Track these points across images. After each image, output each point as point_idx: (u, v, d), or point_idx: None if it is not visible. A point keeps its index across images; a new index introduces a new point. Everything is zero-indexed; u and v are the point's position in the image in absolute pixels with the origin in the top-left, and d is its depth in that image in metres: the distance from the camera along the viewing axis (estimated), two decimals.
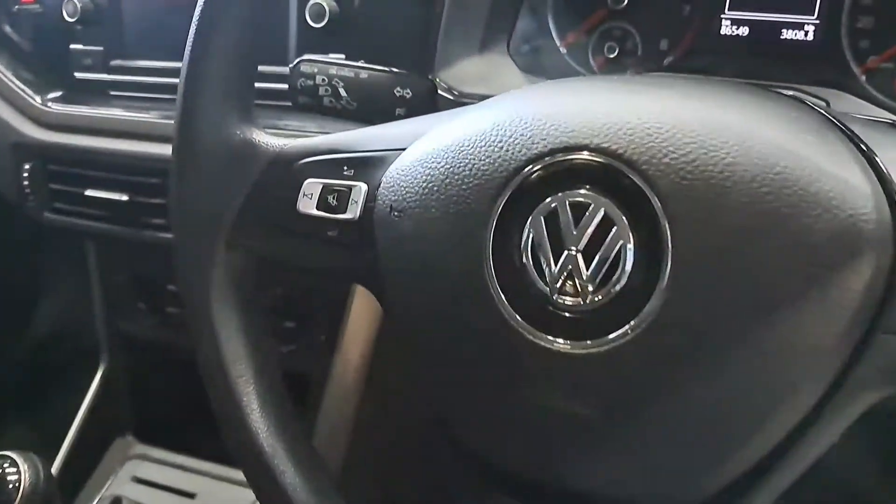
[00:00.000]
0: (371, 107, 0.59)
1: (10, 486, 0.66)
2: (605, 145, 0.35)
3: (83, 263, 0.95)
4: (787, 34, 0.64)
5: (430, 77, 0.64)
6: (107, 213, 0.83)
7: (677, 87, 0.39)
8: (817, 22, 0.63)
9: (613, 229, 0.35)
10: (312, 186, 0.47)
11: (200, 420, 0.94)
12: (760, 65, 0.66)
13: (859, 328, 0.33)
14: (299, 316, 0.84)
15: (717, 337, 0.34)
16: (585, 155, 0.36)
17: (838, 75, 0.62)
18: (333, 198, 0.46)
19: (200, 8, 0.47)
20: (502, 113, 0.40)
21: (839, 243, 0.32)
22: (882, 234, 0.33)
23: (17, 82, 0.86)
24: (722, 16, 0.67)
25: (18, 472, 0.67)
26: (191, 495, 0.87)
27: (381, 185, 0.44)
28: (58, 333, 0.97)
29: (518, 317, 0.37)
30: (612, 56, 0.71)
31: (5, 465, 0.67)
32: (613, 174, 0.35)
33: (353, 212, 0.45)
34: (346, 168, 0.46)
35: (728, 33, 0.67)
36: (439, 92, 0.63)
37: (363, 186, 0.45)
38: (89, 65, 0.85)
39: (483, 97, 0.67)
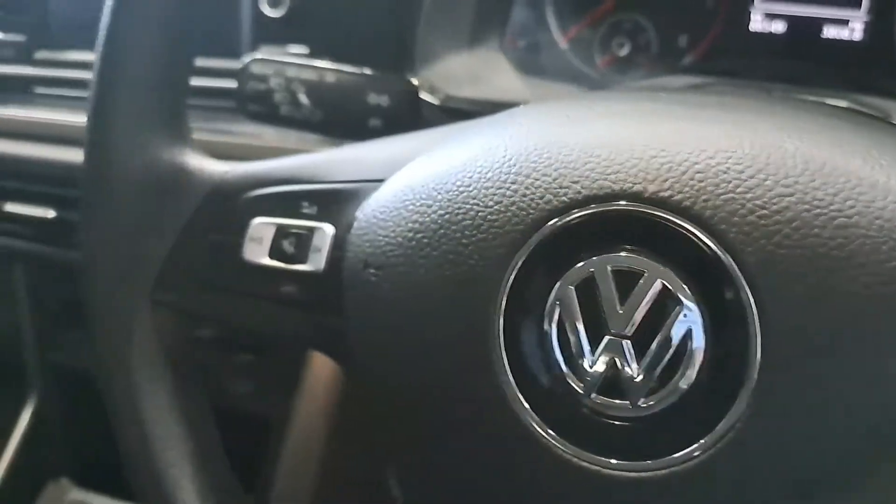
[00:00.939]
0: (339, 117, 0.48)
1: None
2: (665, 194, 0.25)
3: (9, 285, 0.83)
4: (829, 32, 0.55)
5: (410, 79, 0.53)
6: (31, 231, 0.71)
7: (756, 110, 0.29)
8: (866, 18, 0.54)
9: (676, 309, 0.26)
10: (263, 228, 0.36)
11: None
12: (796, 68, 0.56)
13: None
14: (255, 347, 0.73)
15: (831, 465, 0.24)
16: (635, 206, 0.26)
17: (890, 82, 0.53)
18: (290, 243, 0.35)
19: None
20: (516, 140, 0.30)
21: None
22: None
23: None
24: (751, 8, 0.57)
25: None
26: None
27: (353, 229, 0.33)
28: None
29: (539, 420, 0.27)
30: (621, 53, 0.62)
31: None
32: (676, 235, 0.25)
33: (315, 262, 0.35)
34: (306, 204, 0.36)
35: (759, 30, 0.57)
36: (421, 96, 0.53)
37: (329, 229, 0.35)
38: (10, 57, 0.74)
39: (473, 101, 0.57)
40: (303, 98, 0.47)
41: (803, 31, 0.56)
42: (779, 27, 0.57)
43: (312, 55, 0.60)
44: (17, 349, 0.84)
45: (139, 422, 0.38)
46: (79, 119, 0.68)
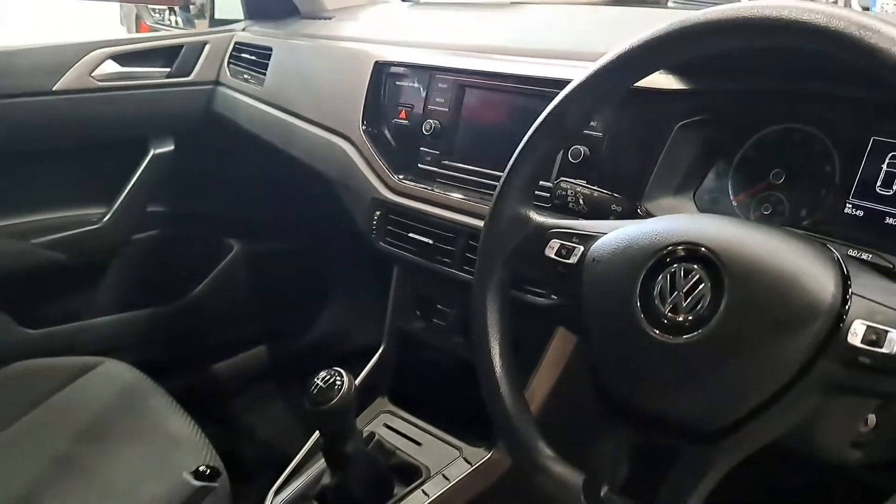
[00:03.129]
0: (594, 211, 1.00)
1: (336, 387, 1.12)
2: (704, 242, 0.73)
3: (388, 279, 1.46)
4: (891, 221, 0.94)
5: (636, 202, 1.03)
6: (416, 249, 1.32)
7: (752, 228, 0.75)
8: None
9: (701, 284, 0.72)
10: (555, 243, 0.88)
11: (437, 398, 1.38)
12: (869, 236, 0.95)
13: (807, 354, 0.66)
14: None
15: (741, 344, 0.69)
16: (693, 246, 0.73)
17: None
18: (565, 250, 0.87)
19: (524, 143, 0.92)
20: (660, 223, 0.79)
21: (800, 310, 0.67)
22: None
23: (384, 164, 1.41)
24: (847, 201, 0.98)
25: (342, 382, 1.13)
26: (418, 443, 1.30)
27: (591, 248, 0.84)
28: (363, 319, 1.46)
29: (646, 322, 0.74)
30: (765, 213, 1.05)
31: (336, 375, 1.14)
32: (706, 255, 0.72)
33: (573, 259, 0.86)
34: (574, 238, 0.88)
35: (849, 212, 0.98)
36: (637, 211, 1.03)
37: (581, 247, 0.86)
38: (429, 161, 1.30)
39: None
40: (581, 201, 1.00)
41: (875, 217, 0.95)
42: (860, 212, 0.97)
43: (587, 184, 1.14)
44: (382, 316, 1.46)
45: (483, 324, 0.91)
46: (459, 198, 1.29)
